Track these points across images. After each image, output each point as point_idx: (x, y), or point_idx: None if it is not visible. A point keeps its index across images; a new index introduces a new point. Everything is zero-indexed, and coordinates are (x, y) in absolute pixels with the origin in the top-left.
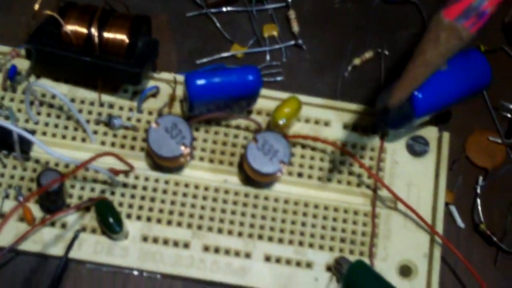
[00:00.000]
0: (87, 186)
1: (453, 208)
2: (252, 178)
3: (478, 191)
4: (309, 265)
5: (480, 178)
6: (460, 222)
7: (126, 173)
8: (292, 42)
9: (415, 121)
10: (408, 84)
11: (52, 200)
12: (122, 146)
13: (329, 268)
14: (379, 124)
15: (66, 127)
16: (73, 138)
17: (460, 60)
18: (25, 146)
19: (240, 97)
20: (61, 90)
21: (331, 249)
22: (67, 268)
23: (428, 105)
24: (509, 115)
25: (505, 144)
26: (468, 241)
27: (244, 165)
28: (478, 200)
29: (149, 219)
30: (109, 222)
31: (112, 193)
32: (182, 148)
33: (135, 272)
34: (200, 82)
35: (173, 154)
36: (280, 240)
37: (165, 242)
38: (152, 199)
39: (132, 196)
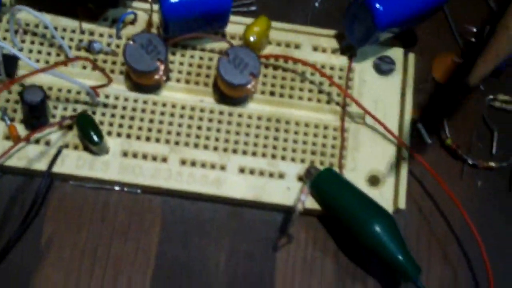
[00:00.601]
0: (69, 107)
1: (419, 125)
2: (226, 95)
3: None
4: (281, 176)
5: None
6: (427, 138)
7: (104, 86)
8: None
9: (377, 35)
10: (490, 60)
11: (35, 117)
12: (103, 70)
13: (300, 178)
14: (347, 44)
15: (49, 53)
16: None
17: None
18: (10, 68)
19: (212, 15)
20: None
21: (302, 161)
22: (51, 186)
23: (389, 17)
24: (472, 39)
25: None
26: (434, 156)
27: (217, 80)
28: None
29: (128, 136)
30: (90, 134)
31: (93, 113)
32: (158, 63)
33: (116, 188)
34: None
35: (149, 68)
36: (254, 154)
37: (144, 156)
38: (132, 118)
39: (112, 115)
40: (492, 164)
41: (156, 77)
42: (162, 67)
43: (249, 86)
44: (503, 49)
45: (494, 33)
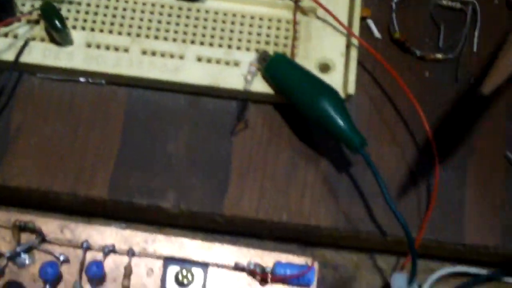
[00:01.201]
0: (36, 4)
1: (369, 21)
2: None
3: (393, 7)
4: (236, 64)
5: None
6: (376, 33)
7: None
8: None
9: None
10: (502, 70)
11: (3, 9)
12: None
13: None
14: None
15: None
16: None
17: None
18: None
19: None
20: None
21: (256, 50)
22: (20, 80)
23: None
24: None
25: None
26: (384, 51)
27: None
28: (394, 15)
29: (92, 29)
30: (53, 21)
31: (59, 9)
32: None
33: (82, 79)
34: None
35: None
36: (211, 44)
37: (107, 47)
38: (95, 13)
39: (77, 11)
40: (439, 56)
41: None
42: None
43: None
44: None
45: (506, 42)
